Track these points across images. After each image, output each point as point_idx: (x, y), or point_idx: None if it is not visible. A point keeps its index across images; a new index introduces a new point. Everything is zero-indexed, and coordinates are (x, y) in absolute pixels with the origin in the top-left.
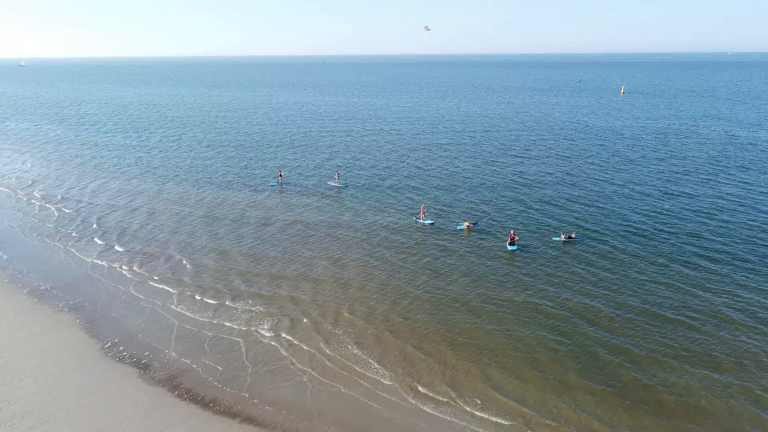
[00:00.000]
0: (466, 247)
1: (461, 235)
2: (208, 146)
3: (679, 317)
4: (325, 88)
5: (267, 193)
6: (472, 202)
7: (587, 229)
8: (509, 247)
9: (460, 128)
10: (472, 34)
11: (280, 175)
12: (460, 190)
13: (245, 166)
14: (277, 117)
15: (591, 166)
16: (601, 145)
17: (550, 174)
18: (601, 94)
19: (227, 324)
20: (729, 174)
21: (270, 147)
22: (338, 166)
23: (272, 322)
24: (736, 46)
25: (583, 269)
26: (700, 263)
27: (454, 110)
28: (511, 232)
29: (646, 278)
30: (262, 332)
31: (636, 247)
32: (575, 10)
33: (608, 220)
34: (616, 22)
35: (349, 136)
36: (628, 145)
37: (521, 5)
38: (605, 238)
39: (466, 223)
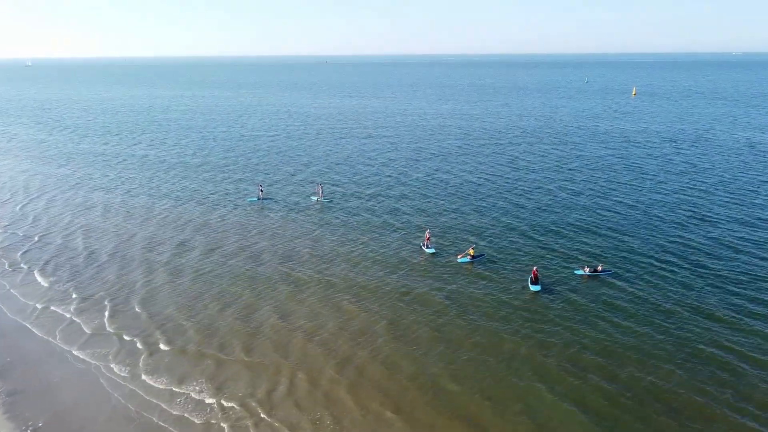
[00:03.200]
0: (472, 284)
1: (464, 268)
2: (188, 154)
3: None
4: (322, 89)
5: (245, 211)
6: (473, 225)
7: (612, 257)
8: (532, 287)
9: (458, 134)
10: (473, 33)
11: (261, 190)
12: (461, 210)
13: (225, 178)
14: (266, 121)
15: (607, 182)
16: (615, 155)
17: (561, 191)
18: (611, 95)
19: (177, 401)
20: (761, 193)
21: (255, 155)
22: (322, 179)
23: (225, 394)
24: (739, 46)
25: (613, 313)
26: (743, 304)
27: (453, 114)
28: (534, 268)
29: (686, 328)
30: (216, 414)
31: (670, 284)
32: (574, 9)
33: (635, 247)
34: (614, 22)
35: (339, 142)
36: (645, 155)
37: (521, 4)
38: (635, 271)
39: (471, 251)
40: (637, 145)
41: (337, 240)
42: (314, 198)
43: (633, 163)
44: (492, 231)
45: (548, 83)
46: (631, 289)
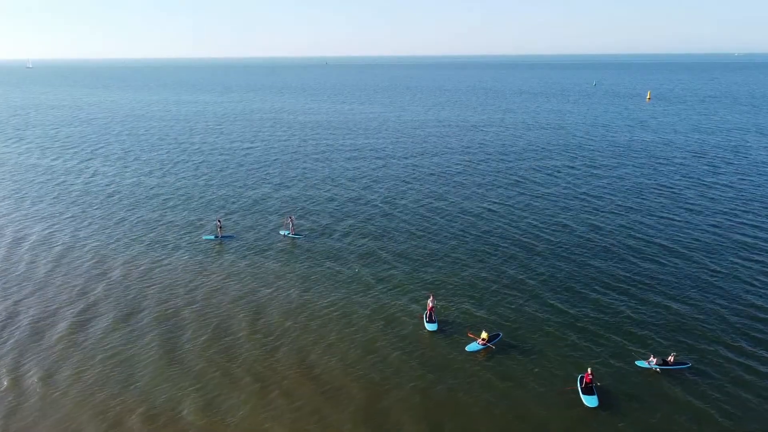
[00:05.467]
0: (494, 396)
1: (477, 361)
2: (149, 172)
3: None
4: (315, 93)
5: (192, 254)
6: (478, 283)
7: (681, 339)
8: (586, 400)
9: (458, 148)
10: (474, 33)
11: (219, 227)
12: (462, 261)
13: (183, 205)
14: (248, 130)
15: (645, 218)
16: (644, 176)
17: (588, 230)
18: (622, 100)
19: None
20: None
21: (225, 174)
22: (297, 205)
23: None
24: (740, 46)
25: None
26: None
27: (453, 122)
28: (588, 371)
29: None
30: None
31: None
32: (572, 9)
33: (709, 323)
34: (609, 23)
35: (322, 157)
36: (678, 177)
37: (523, 3)
38: (723, 357)
39: (483, 337)
40: (665, 163)
41: (298, 302)
42: (283, 233)
43: (666, 188)
44: (505, 294)
45: (554, 86)
46: (727, 392)
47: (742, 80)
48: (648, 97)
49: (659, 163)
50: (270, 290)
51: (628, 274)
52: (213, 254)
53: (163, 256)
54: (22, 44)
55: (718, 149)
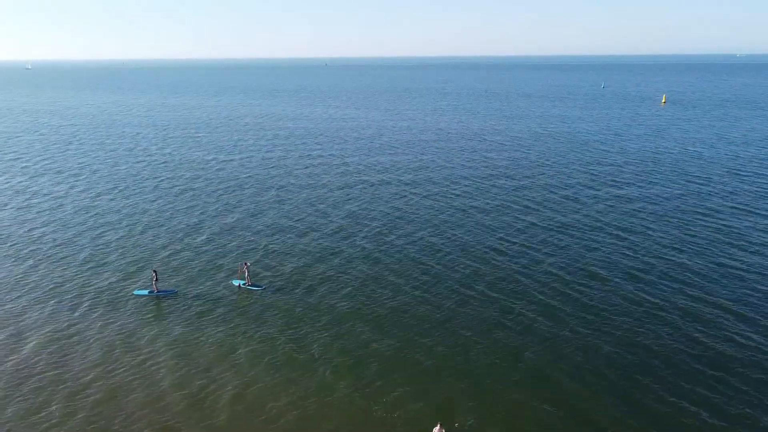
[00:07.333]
0: None
1: None
2: (80, 199)
3: None
4: (309, 95)
5: (118, 318)
6: (498, 393)
7: None
8: None
9: (460, 162)
10: (474, 33)
11: (155, 279)
12: (469, 337)
13: (109, 250)
14: (225, 140)
15: (702, 262)
16: (690, 208)
17: (633, 285)
18: (636, 104)
19: None
20: None
21: (182, 199)
22: (257, 243)
23: None
24: (741, 47)
25: None
26: None
27: (454, 130)
28: None
29: None
30: None
31: None
32: (572, 10)
33: None
34: (613, 22)
35: (301, 179)
36: (723, 207)
37: (523, 3)
38: None
39: None
40: (703, 184)
41: (240, 407)
42: (237, 282)
43: (715, 222)
44: (534, 407)
45: (559, 89)
46: None
47: (753, 82)
48: (663, 100)
49: (695, 184)
50: (184, 392)
51: (705, 373)
52: (138, 320)
53: (64, 326)
54: (23, 45)
55: (759, 166)
